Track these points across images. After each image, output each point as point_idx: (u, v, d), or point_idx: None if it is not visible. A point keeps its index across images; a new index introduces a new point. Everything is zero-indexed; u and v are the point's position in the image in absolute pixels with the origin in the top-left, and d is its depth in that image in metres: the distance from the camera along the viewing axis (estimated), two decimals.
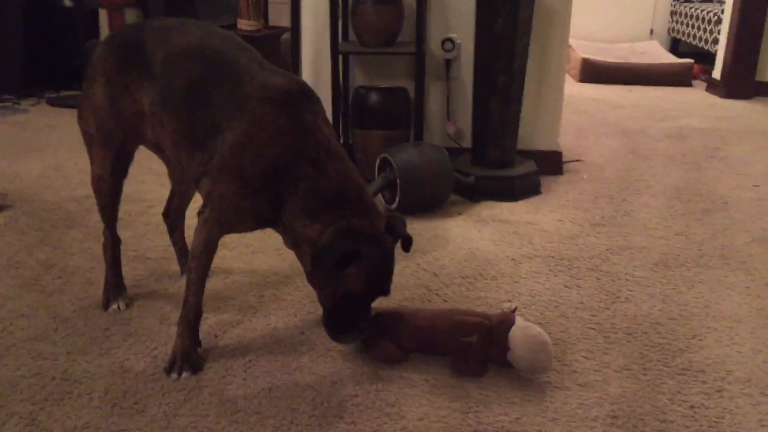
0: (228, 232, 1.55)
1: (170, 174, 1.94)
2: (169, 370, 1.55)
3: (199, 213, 1.54)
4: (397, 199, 2.49)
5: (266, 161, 1.42)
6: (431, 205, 2.56)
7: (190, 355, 1.56)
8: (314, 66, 3.02)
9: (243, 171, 1.43)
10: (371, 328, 1.62)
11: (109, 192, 1.75)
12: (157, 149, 1.76)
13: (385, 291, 1.48)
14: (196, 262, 1.54)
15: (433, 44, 2.94)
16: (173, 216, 1.98)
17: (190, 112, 1.50)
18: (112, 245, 1.82)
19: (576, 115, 4.14)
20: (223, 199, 1.46)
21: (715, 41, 4.91)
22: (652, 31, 6.09)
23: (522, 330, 1.53)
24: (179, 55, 1.54)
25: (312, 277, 1.50)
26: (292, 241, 1.54)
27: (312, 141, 1.45)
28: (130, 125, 1.66)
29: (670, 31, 5.97)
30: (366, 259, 1.42)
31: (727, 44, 4.65)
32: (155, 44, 1.58)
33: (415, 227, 2.42)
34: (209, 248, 1.54)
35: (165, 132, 1.56)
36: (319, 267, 1.44)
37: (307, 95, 1.49)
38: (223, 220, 1.49)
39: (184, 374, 1.54)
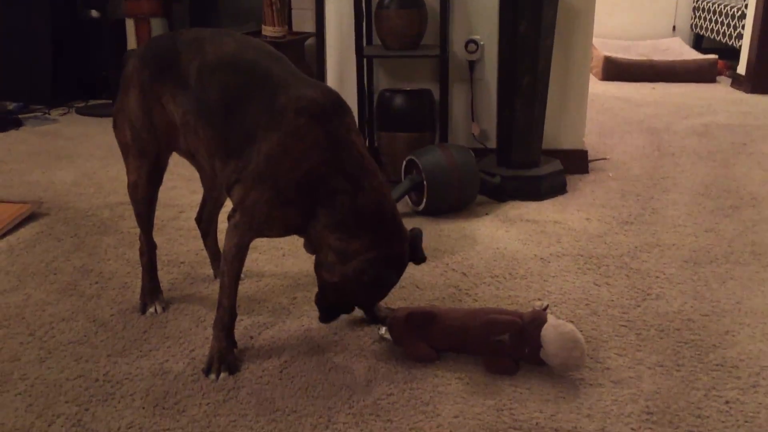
0: (258, 237, 1.59)
1: (203, 180, 1.98)
2: (207, 372, 1.58)
3: (229, 217, 1.57)
4: (424, 200, 2.51)
5: (301, 172, 1.46)
6: (458, 205, 2.58)
7: (226, 357, 1.60)
8: (339, 70, 3.05)
9: (277, 181, 1.46)
10: (403, 328, 1.64)
11: (145, 200, 1.79)
12: (190, 157, 1.80)
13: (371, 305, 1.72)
14: (229, 265, 1.57)
15: (457, 46, 2.95)
16: (206, 221, 2.01)
17: (225, 121, 1.53)
18: (149, 250, 1.86)
19: (600, 113, 4.14)
20: (256, 207, 1.50)
21: (740, 36, 4.87)
22: (674, 28, 6.05)
23: (554, 327, 1.54)
24: (214, 66, 1.57)
25: (331, 283, 1.55)
26: (315, 247, 1.57)
27: (347, 156, 1.48)
28: (164, 135, 1.70)
29: (693, 27, 5.93)
30: (386, 283, 1.55)
31: (752, 39, 4.61)
32: (190, 55, 1.61)
33: (442, 228, 2.44)
34: (241, 252, 1.57)
35: (200, 141, 1.60)
36: (353, 283, 1.52)
37: (342, 108, 1.52)
38: (255, 225, 1.53)
39: (222, 375, 1.57)
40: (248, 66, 1.56)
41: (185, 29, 1.72)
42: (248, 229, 1.53)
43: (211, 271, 2.08)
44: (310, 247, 1.59)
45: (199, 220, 2.03)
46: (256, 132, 1.49)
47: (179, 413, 1.45)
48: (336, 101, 1.52)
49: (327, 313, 1.63)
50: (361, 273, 1.50)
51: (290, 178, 1.46)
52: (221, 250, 1.96)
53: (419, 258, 1.61)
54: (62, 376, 1.58)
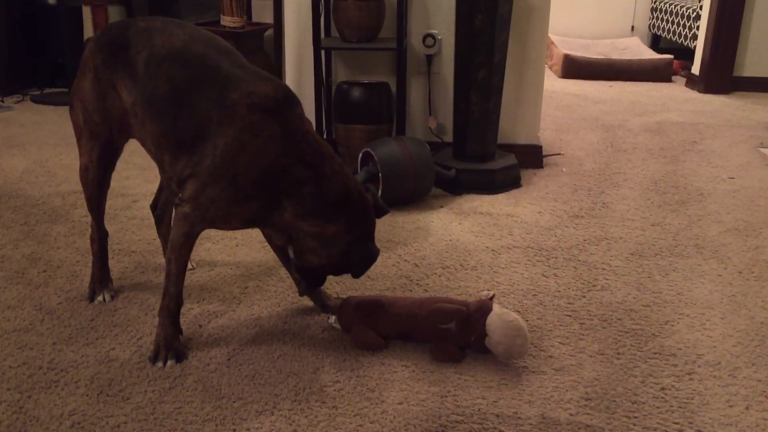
0: (210, 228, 1.59)
1: (160, 168, 1.97)
2: (154, 359, 1.58)
3: (176, 206, 1.56)
4: (380, 192, 2.53)
5: (261, 168, 1.47)
6: (413, 198, 2.60)
7: (173, 344, 1.60)
8: (297, 62, 3.05)
9: (237, 177, 1.47)
10: (353, 316, 1.66)
11: (95, 183, 1.77)
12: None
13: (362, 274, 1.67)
14: (177, 253, 1.57)
15: (415, 40, 2.98)
16: (161, 208, 2.01)
17: (172, 114, 1.53)
18: (99, 238, 1.85)
19: (557, 110, 4.20)
20: (213, 203, 1.50)
21: (694, 37, 4.98)
22: (633, 28, 6.16)
23: (499, 316, 1.57)
24: (162, 58, 1.57)
25: (317, 266, 1.59)
26: (287, 238, 1.59)
27: (305, 145, 1.51)
28: (117, 120, 1.69)
29: (651, 27, 6.05)
30: (370, 253, 1.59)
31: (705, 40, 4.72)
32: (139, 46, 1.60)
33: (397, 220, 2.46)
34: (189, 241, 1.57)
35: (146, 132, 1.60)
36: (339, 261, 1.57)
37: (292, 99, 1.54)
38: (208, 218, 1.53)
39: (169, 362, 1.57)
40: (197, 59, 1.56)
41: (141, 17, 1.71)
42: (201, 220, 1.53)
43: (162, 260, 2.07)
44: (278, 237, 1.60)
45: (154, 206, 2.02)
46: (209, 127, 1.49)
47: (124, 400, 1.45)
48: (286, 93, 1.54)
49: (314, 282, 1.66)
50: (346, 253, 1.56)
51: (249, 174, 1.47)
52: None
53: (383, 211, 1.67)
54: (5, 363, 1.56)
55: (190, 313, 1.79)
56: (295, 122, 1.52)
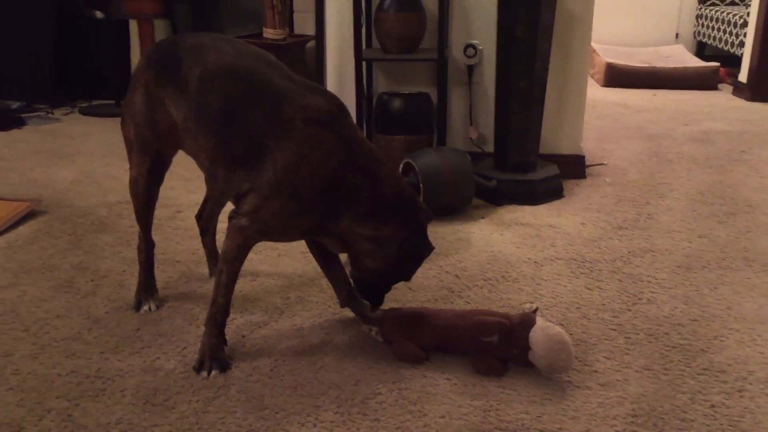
0: (266, 241, 1.62)
1: (207, 179, 2.00)
2: (198, 369, 1.59)
3: (231, 218, 1.58)
4: None
5: (322, 179, 1.50)
6: (454, 208, 2.59)
7: (217, 354, 1.61)
8: (338, 73, 3.07)
9: (298, 190, 1.49)
10: (394, 328, 1.66)
11: (144, 196, 1.81)
12: (195, 156, 1.83)
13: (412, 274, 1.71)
14: (229, 265, 1.59)
15: (455, 50, 2.97)
16: (206, 219, 2.04)
17: (226, 130, 1.56)
18: (147, 248, 1.88)
19: (600, 119, 4.15)
20: (273, 217, 1.52)
21: (741, 44, 4.88)
22: (677, 35, 6.06)
23: (542, 330, 1.55)
24: (214, 74, 1.59)
25: (374, 270, 1.61)
26: (342, 242, 1.61)
27: (360, 153, 1.54)
28: (166, 134, 1.73)
29: (696, 34, 5.94)
30: (424, 251, 1.64)
31: (753, 47, 4.61)
32: (191, 63, 1.63)
33: (437, 231, 2.45)
34: (243, 253, 1.59)
35: (200, 148, 1.62)
36: (395, 263, 1.60)
37: (343, 110, 1.58)
38: (266, 231, 1.56)
39: (213, 372, 1.59)
40: (247, 74, 1.58)
41: (190, 33, 1.75)
42: (257, 233, 1.56)
43: (206, 270, 2.10)
44: (333, 245, 1.63)
45: (199, 217, 2.05)
46: (265, 141, 1.51)
47: (168, 410, 1.47)
48: (338, 104, 1.58)
49: (376, 297, 1.70)
50: (404, 252, 1.59)
51: (311, 186, 1.50)
52: (219, 248, 1.99)
53: (428, 217, 1.68)
54: (54, 371, 1.59)
55: (233, 324, 1.80)
56: (349, 131, 1.55)
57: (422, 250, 1.63)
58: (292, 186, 1.49)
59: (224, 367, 1.61)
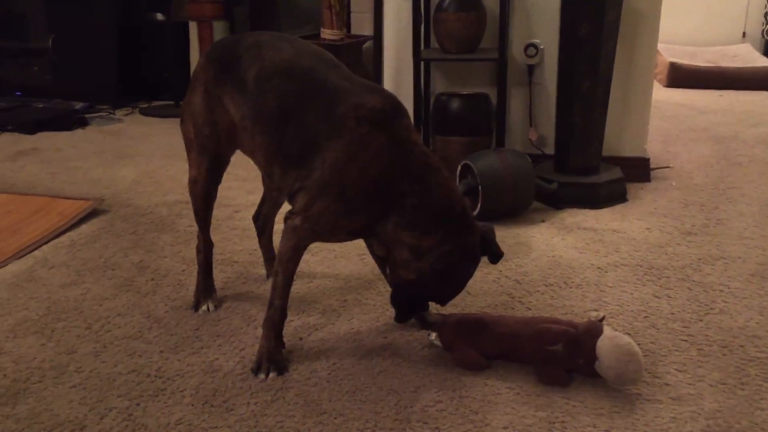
0: (319, 241, 1.60)
1: (264, 180, 2.00)
2: (256, 371, 1.58)
3: (286, 219, 1.57)
4: (479, 206, 2.48)
5: (369, 180, 1.47)
6: (513, 212, 2.53)
7: (275, 356, 1.60)
8: (396, 74, 3.04)
9: (345, 190, 1.47)
10: (454, 334, 1.62)
11: (203, 195, 1.81)
12: (251, 155, 1.83)
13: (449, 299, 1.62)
14: (284, 266, 1.58)
15: (516, 50, 2.91)
16: (263, 220, 2.03)
17: (282, 129, 1.55)
18: (205, 248, 1.89)
19: (663, 120, 4.01)
20: (322, 216, 1.50)
21: None
22: (744, 34, 5.84)
23: (610, 340, 1.49)
24: (271, 73, 1.58)
25: (408, 281, 1.54)
26: (386, 248, 1.57)
27: (412, 157, 1.50)
28: (225, 134, 1.73)
29: (764, 33, 5.71)
30: (459, 273, 1.54)
31: None
32: (249, 61, 1.62)
33: (497, 234, 2.39)
34: (297, 254, 1.58)
35: (256, 147, 1.62)
36: (429, 278, 1.51)
37: (400, 110, 1.53)
38: (318, 230, 1.54)
39: (271, 375, 1.57)
40: (304, 73, 1.56)
41: (249, 32, 1.74)
42: (310, 233, 1.54)
43: (263, 272, 2.09)
44: (379, 248, 1.59)
45: (256, 218, 2.05)
46: (317, 141, 1.49)
47: (227, 411, 1.46)
48: (394, 104, 1.53)
49: (403, 312, 1.63)
50: (436, 266, 1.50)
51: (358, 187, 1.47)
52: (276, 249, 1.98)
53: (494, 253, 1.61)
54: (116, 370, 1.60)
55: (290, 326, 1.79)
56: (403, 134, 1.50)
57: (460, 270, 1.53)
58: (339, 186, 1.47)
59: (282, 369, 1.59)
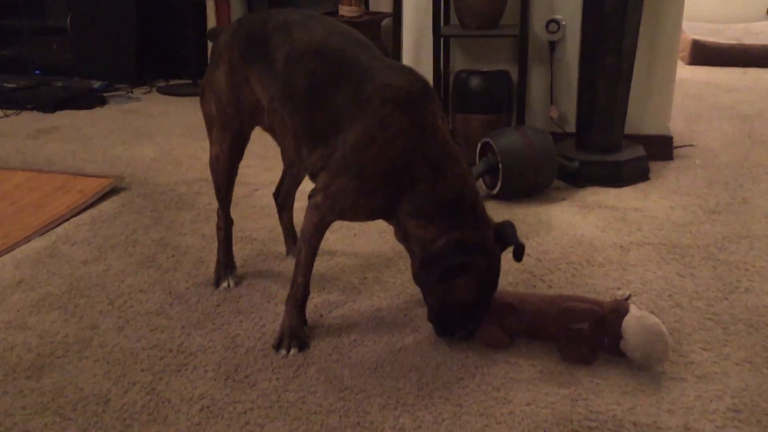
0: (340, 220, 1.58)
1: (283, 157, 2.00)
2: (277, 347, 1.58)
3: (310, 196, 1.56)
4: (499, 184, 2.46)
5: (387, 160, 1.45)
6: (534, 190, 2.51)
7: (297, 333, 1.60)
8: (415, 51, 3.01)
9: (363, 169, 1.46)
10: None
11: (225, 173, 1.81)
12: (273, 132, 1.82)
13: (488, 302, 1.56)
14: (306, 243, 1.57)
15: (537, 26, 2.87)
16: (283, 197, 2.03)
17: (312, 110, 1.53)
18: (226, 226, 1.89)
19: (686, 99, 3.95)
20: (340, 194, 1.50)
21: None
22: None
23: (637, 319, 1.47)
24: (301, 54, 1.56)
25: (418, 278, 1.54)
26: (402, 236, 1.55)
27: (432, 143, 1.47)
28: (249, 112, 1.72)
29: None
30: (474, 271, 1.49)
31: None
32: (278, 41, 1.60)
33: (517, 213, 2.38)
34: (319, 231, 1.57)
35: (286, 129, 1.60)
36: (426, 273, 1.49)
37: (428, 95, 1.50)
38: (338, 209, 1.53)
39: (292, 351, 1.57)
40: (336, 53, 1.54)
41: (277, 9, 1.71)
42: (330, 211, 1.53)
43: (283, 249, 2.09)
44: (397, 233, 1.57)
45: (276, 195, 2.04)
46: (342, 120, 1.48)
47: (250, 387, 1.46)
48: (423, 88, 1.49)
49: (439, 328, 1.59)
50: (436, 260, 1.46)
51: (375, 167, 1.45)
52: (296, 227, 1.98)
53: (515, 250, 1.55)
54: (138, 345, 1.61)
55: (311, 302, 1.78)
56: (427, 118, 1.47)
57: (468, 265, 1.46)
58: (357, 165, 1.46)
59: (303, 345, 1.59)
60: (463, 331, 1.59)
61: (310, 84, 1.53)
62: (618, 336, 1.49)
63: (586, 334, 1.51)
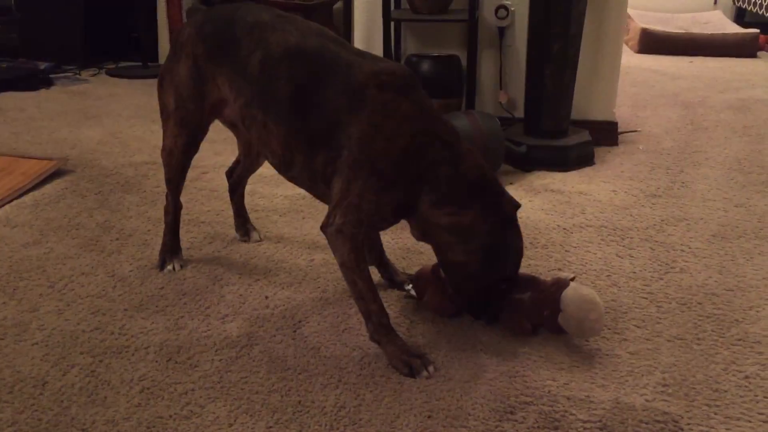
0: (370, 230, 1.50)
1: (239, 145, 1.96)
2: (414, 375, 1.43)
3: (326, 225, 1.45)
4: None
5: (398, 149, 1.39)
6: None
7: (413, 352, 1.46)
8: (366, 35, 3.01)
9: (376, 164, 1.38)
10: (429, 280, 1.65)
11: (179, 166, 1.77)
12: (232, 126, 1.78)
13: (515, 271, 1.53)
14: (357, 273, 1.45)
15: (487, 11, 2.89)
16: (235, 180, 2.01)
17: (302, 112, 1.46)
18: (174, 211, 1.86)
19: (634, 86, 4.04)
20: (362, 198, 1.41)
21: None
22: (716, 1, 5.86)
23: (574, 290, 1.51)
24: (279, 58, 1.50)
25: (459, 267, 1.46)
26: (422, 231, 1.47)
27: (440, 124, 1.42)
28: (211, 108, 1.67)
29: (735, 0, 5.74)
30: (515, 244, 1.47)
31: None
32: (251, 45, 1.54)
33: None
34: (360, 255, 1.45)
35: (271, 135, 1.52)
36: (483, 259, 1.43)
37: (415, 79, 1.46)
38: (365, 218, 1.43)
39: (428, 370, 1.44)
40: (315, 54, 1.48)
41: (244, 6, 1.63)
42: (358, 224, 1.42)
43: (231, 231, 2.08)
44: (414, 229, 1.50)
45: (229, 175, 2.02)
46: (341, 116, 1.42)
47: (192, 368, 1.46)
48: (410, 72, 1.46)
49: (480, 311, 1.54)
50: (488, 246, 1.42)
51: (389, 158, 1.38)
52: (247, 209, 1.97)
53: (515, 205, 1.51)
54: (79, 327, 1.59)
55: (256, 285, 1.79)
56: (425, 100, 1.44)
57: (511, 243, 1.45)
58: (369, 161, 1.38)
59: (426, 361, 1.45)
60: (495, 308, 1.54)
61: (295, 88, 1.47)
62: (557, 309, 1.52)
63: (527, 305, 1.55)
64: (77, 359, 1.48)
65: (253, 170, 2.00)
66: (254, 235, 2.04)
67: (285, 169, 1.55)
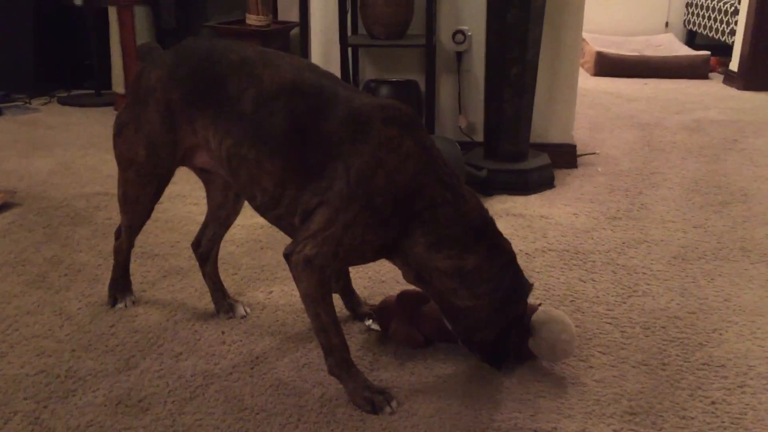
0: (341, 266, 1.44)
1: (210, 197, 1.75)
2: (376, 411, 1.39)
3: (289, 254, 1.39)
4: None
5: (398, 186, 1.34)
6: None
7: (373, 389, 1.42)
8: (324, 60, 2.99)
9: (373, 198, 1.33)
10: (394, 310, 1.61)
11: (146, 214, 1.67)
12: (203, 172, 1.67)
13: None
14: (322, 307, 1.39)
15: (444, 36, 2.89)
16: (206, 245, 1.77)
17: (300, 147, 1.39)
18: (127, 249, 1.76)
19: (590, 108, 4.08)
20: (347, 230, 1.34)
21: (732, 33, 4.82)
22: (667, 24, 6.00)
23: (545, 312, 1.50)
24: (275, 94, 1.42)
25: (468, 313, 1.41)
26: (416, 276, 1.42)
27: (441, 164, 1.38)
28: (183, 154, 1.57)
29: (686, 23, 5.89)
30: (522, 284, 1.45)
31: (744, 36, 4.55)
32: (240, 83, 1.45)
33: None
34: (326, 288, 1.39)
35: (263, 173, 1.43)
36: (492, 303, 1.39)
37: (417, 116, 1.42)
38: (342, 253, 1.36)
39: (393, 404, 1.41)
40: (314, 88, 1.42)
41: (219, 43, 1.54)
42: (331, 257, 1.36)
43: (185, 264, 2.01)
44: (407, 273, 1.44)
45: (197, 245, 1.77)
46: (340, 147, 1.35)
47: (143, 411, 1.39)
48: (410, 109, 1.42)
49: (501, 359, 1.47)
50: (500, 288, 1.39)
51: (387, 194, 1.33)
52: (221, 279, 1.81)
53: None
54: (23, 371, 1.51)
55: (212, 320, 1.73)
56: (426, 140, 1.39)
57: (524, 285, 1.43)
58: (366, 194, 1.32)
59: (389, 397, 1.41)
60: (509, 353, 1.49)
61: (292, 122, 1.40)
62: (527, 334, 1.49)
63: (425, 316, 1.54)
64: (20, 405, 1.40)
65: (223, 234, 1.78)
66: (239, 310, 1.77)
67: (271, 207, 1.46)
